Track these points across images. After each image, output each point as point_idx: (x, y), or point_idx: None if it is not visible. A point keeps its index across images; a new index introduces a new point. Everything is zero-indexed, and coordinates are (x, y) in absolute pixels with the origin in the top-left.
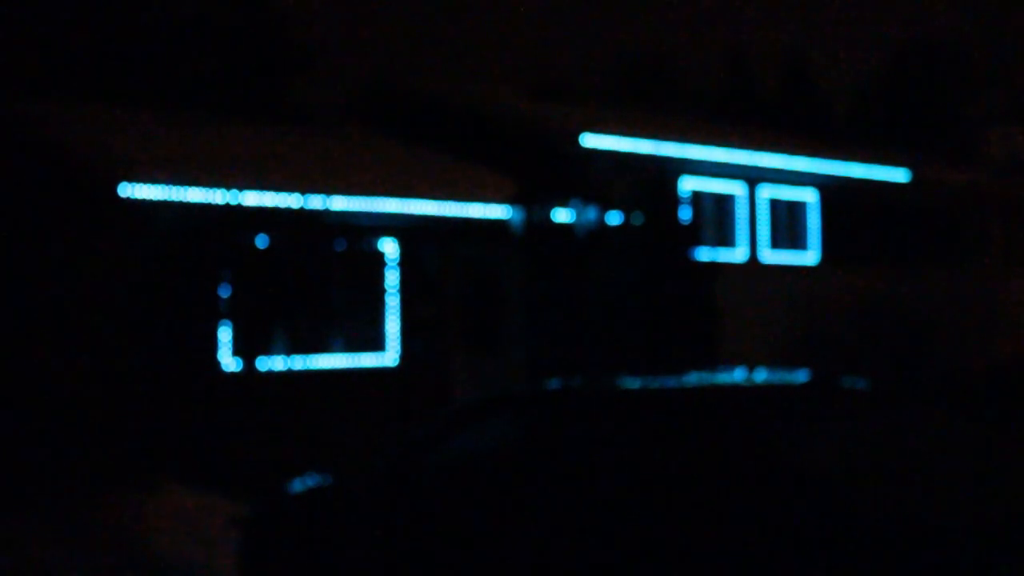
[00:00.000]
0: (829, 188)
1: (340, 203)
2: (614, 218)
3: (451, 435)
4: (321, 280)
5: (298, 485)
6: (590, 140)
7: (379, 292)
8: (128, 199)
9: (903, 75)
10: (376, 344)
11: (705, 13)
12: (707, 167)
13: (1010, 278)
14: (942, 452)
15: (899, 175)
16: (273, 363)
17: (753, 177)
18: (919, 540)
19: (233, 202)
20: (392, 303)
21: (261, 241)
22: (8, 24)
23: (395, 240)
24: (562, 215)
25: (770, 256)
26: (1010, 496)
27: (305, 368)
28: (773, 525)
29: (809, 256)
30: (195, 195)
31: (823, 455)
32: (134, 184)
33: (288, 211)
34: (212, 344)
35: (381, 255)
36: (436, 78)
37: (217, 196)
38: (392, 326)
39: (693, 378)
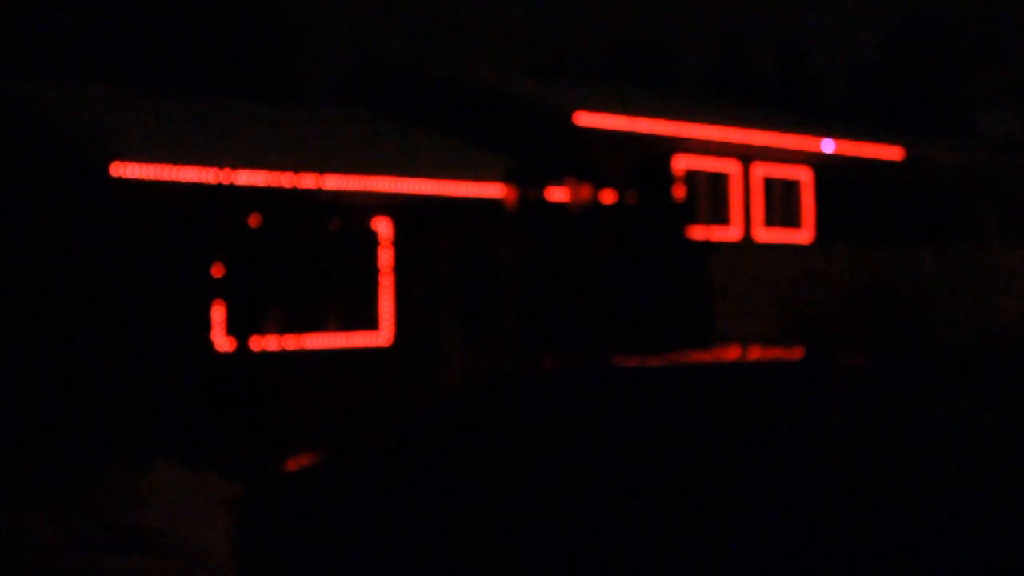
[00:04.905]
0: (823, 166)
1: (333, 182)
2: (608, 196)
3: (444, 414)
4: (315, 259)
5: (292, 464)
6: (584, 119)
7: (373, 271)
8: (120, 179)
9: (897, 54)
10: (370, 323)
11: None
12: (701, 145)
13: (1004, 255)
14: (938, 428)
15: (893, 153)
16: (266, 342)
17: (747, 155)
18: (916, 516)
19: (226, 181)
20: (386, 282)
21: (254, 220)
22: None
23: (389, 219)
24: (556, 193)
25: (764, 234)
26: (1006, 471)
27: (298, 347)
28: (770, 501)
29: (803, 234)
30: (187, 174)
31: (819, 432)
32: (126, 164)
33: (281, 190)
34: (205, 323)
35: (375, 234)
36: (430, 56)
37: (210, 175)
38: (386, 305)
39: (688, 356)
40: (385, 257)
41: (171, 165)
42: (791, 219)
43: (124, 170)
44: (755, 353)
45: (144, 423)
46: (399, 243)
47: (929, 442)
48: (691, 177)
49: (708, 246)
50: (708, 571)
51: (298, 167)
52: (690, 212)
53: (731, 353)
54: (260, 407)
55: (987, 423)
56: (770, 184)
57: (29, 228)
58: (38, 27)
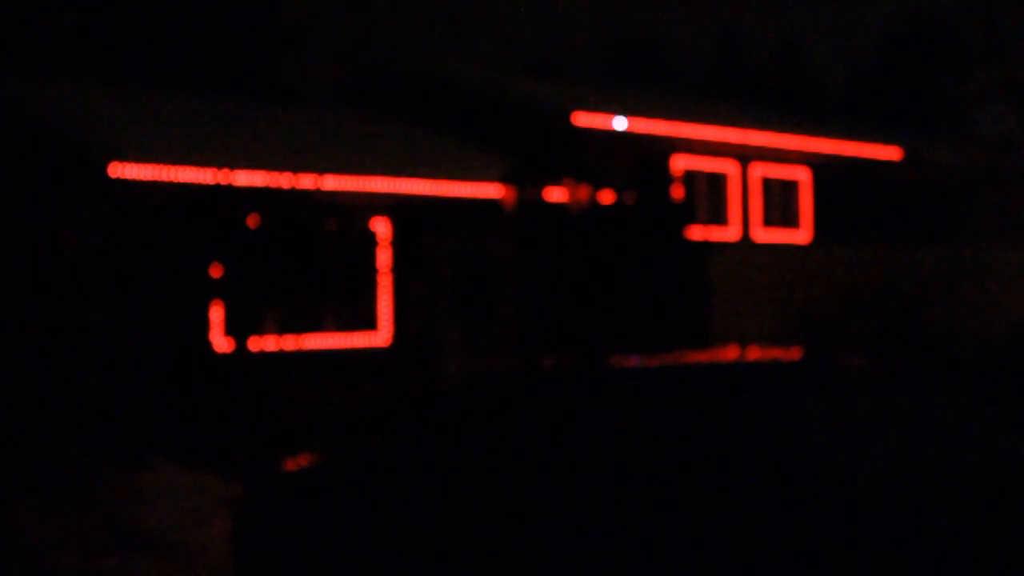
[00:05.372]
0: (822, 166)
1: (332, 182)
2: (606, 196)
3: (443, 414)
4: (313, 259)
5: (291, 464)
6: (582, 119)
7: (371, 271)
8: (118, 179)
9: (896, 54)
10: (368, 323)
11: None
12: (700, 145)
13: (1003, 255)
14: (937, 428)
15: (892, 153)
16: (265, 343)
17: (746, 155)
18: (916, 516)
19: (224, 181)
20: (384, 282)
21: (253, 220)
22: None
23: (387, 219)
24: (554, 194)
25: (763, 235)
26: (1006, 471)
27: (297, 348)
28: (768, 502)
29: (802, 234)
30: (186, 175)
31: (818, 432)
32: (124, 164)
33: (280, 190)
34: (204, 324)
35: (373, 234)
36: (428, 56)
37: (208, 175)
38: (384, 305)
39: (686, 356)
40: (383, 257)
41: (170, 165)
42: (789, 219)
43: (122, 170)
44: (753, 353)
45: (143, 423)
46: (397, 243)
47: (929, 442)
48: (689, 177)
49: (706, 246)
50: (707, 571)
51: (296, 167)
52: (688, 212)
53: (729, 353)
54: (259, 407)
55: (987, 423)
56: (768, 184)
57: (28, 228)
58: (38, 27)
